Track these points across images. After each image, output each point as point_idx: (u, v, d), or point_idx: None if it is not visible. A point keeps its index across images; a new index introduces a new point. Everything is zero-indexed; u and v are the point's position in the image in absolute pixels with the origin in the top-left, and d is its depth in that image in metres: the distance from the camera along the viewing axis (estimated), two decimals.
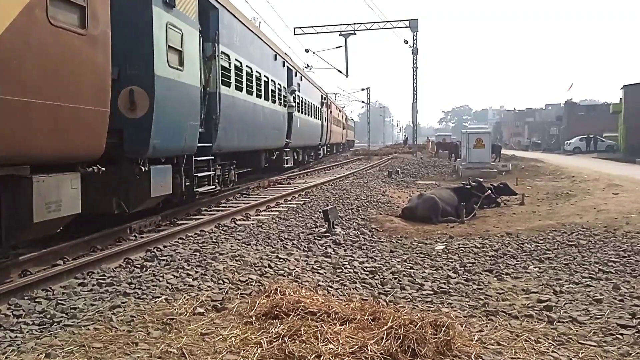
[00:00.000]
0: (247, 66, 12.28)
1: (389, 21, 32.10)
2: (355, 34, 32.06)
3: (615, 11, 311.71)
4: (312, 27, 32.65)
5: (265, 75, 14.24)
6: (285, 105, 17.13)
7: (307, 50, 31.68)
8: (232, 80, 10.91)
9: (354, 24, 32.08)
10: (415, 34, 32.22)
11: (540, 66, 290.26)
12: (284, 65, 17.25)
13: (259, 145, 14.21)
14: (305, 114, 21.84)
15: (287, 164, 18.22)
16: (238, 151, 12.14)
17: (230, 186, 12.12)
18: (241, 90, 11.77)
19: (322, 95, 28.25)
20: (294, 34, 32.60)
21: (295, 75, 19.64)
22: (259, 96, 13.42)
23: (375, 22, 32.02)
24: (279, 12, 66.95)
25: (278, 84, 16.07)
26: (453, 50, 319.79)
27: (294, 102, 18.68)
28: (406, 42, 32.58)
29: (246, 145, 12.61)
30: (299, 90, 19.90)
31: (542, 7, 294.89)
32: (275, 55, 15.99)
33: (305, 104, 21.86)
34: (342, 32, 31.93)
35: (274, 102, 15.37)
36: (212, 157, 10.01)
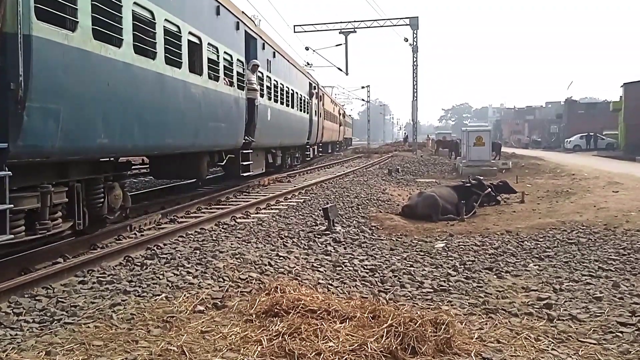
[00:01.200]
0: (136, 4, 6.87)
1: (389, 19, 32.09)
2: (356, 31, 32.07)
3: (616, 9, 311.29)
4: (313, 24, 32.66)
5: (192, 33, 8.84)
6: (241, 88, 11.71)
7: (307, 48, 31.67)
8: (82, 18, 5.62)
9: (354, 21, 32.13)
10: (415, 31, 32.19)
11: (540, 64, 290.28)
12: (238, 28, 11.63)
13: (184, 145, 8.87)
14: (282, 103, 16.37)
15: (249, 170, 12.60)
16: (125, 154, 7.53)
17: (116, 216, 7.41)
18: (118, 45, 6.38)
19: (311, 84, 22.91)
20: (294, 32, 32.62)
21: (263, 49, 13.94)
22: (174, 64, 8.00)
23: (376, 20, 32.04)
24: (279, 10, 66.92)
25: (226, 52, 10.67)
26: (453, 48, 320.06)
27: (259, 84, 13.18)
28: (406, 40, 32.56)
29: (145, 144, 7.41)
30: (269, 70, 14.62)
31: (542, 5, 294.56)
32: (219, 7, 10.22)
33: (282, 90, 16.35)
34: (342, 30, 31.92)
35: (214, 78, 9.94)
36: (10, 172, 4.67)
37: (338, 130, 38.22)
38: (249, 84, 12.26)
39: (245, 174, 12.52)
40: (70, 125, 5.51)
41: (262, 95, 13.50)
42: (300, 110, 19.95)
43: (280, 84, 16.18)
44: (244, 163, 12.32)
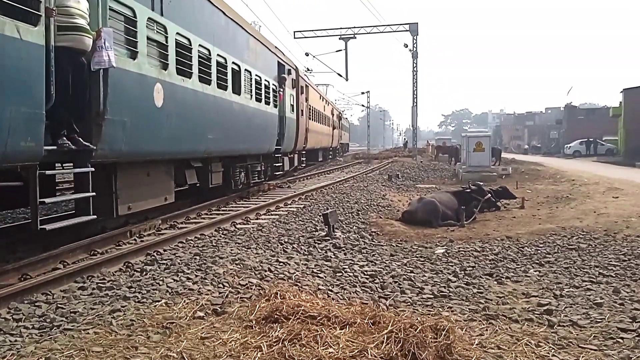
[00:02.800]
0: None
1: (389, 25, 32.32)
2: (356, 37, 32.27)
3: (615, 14, 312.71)
4: (313, 30, 32.87)
5: None
6: (30, 20, 4.74)
7: (307, 54, 31.82)
8: None
9: (354, 27, 32.32)
10: (415, 37, 32.37)
11: (540, 70, 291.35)
12: None
13: None
14: (209, 82, 9.51)
15: (83, 212, 5.99)
16: None
17: None
18: None
19: (281, 64, 15.40)
20: (294, 38, 32.79)
21: None
22: None
23: (375, 26, 32.30)
24: (279, 16, 67.10)
25: None
26: (453, 54, 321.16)
27: (127, 33, 6.75)
28: (406, 45, 32.76)
29: None
30: (160, 12, 7.61)
31: (542, 11, 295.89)
32: None
33: (207, 59, 9.46)
34: (342, 36, 32.11)
35: None
36: None
37: (331, 134, 31.07)
38: (67, 16, 5.41)
39: (59, 225, 5.62)
40: None
41: (134, 57, 6.87)
42: (259, 100, 12.93)
43: (202, 47, 9.26)
44: (50, 200, 5.86)
